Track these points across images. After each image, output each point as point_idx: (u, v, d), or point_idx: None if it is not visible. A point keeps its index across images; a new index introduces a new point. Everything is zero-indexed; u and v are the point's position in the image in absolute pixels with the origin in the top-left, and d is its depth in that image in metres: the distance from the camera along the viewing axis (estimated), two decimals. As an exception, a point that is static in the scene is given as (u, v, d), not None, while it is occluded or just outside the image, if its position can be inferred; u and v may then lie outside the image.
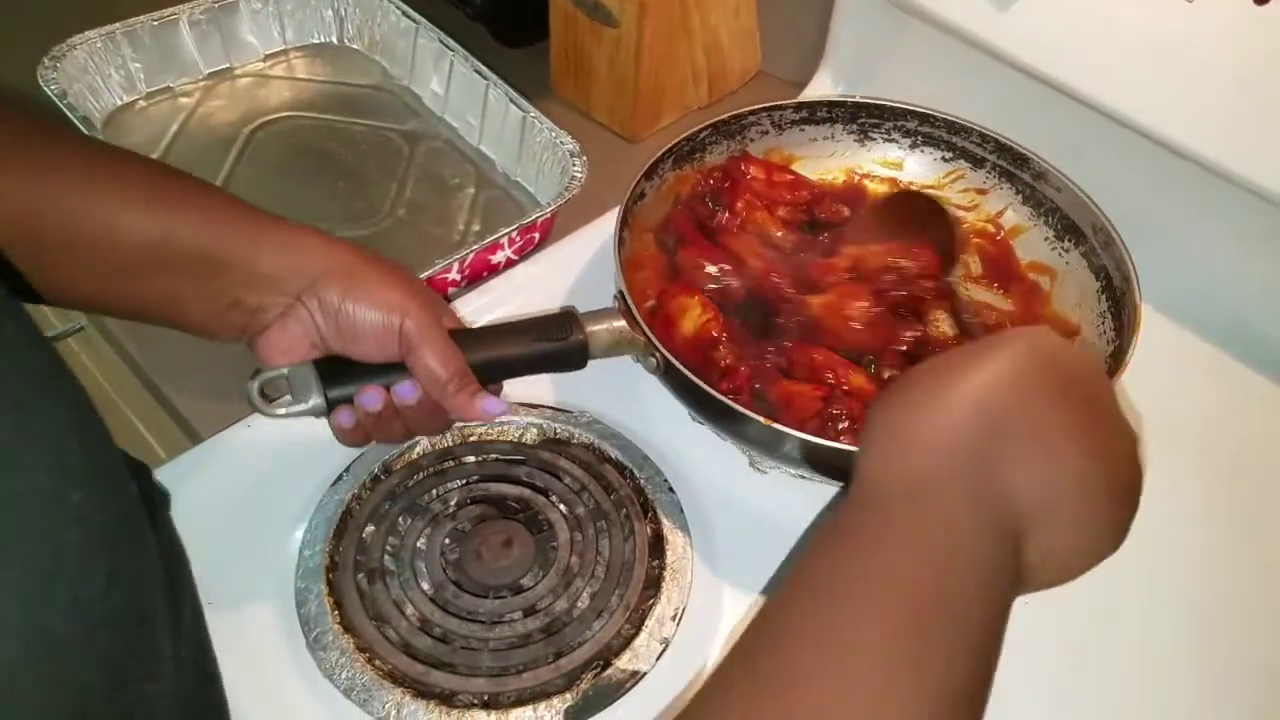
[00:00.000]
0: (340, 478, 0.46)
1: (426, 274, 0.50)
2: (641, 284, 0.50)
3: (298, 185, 0.59)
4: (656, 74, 0.63)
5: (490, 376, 0.43)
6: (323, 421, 0.41)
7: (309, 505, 0.45)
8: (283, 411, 0.39)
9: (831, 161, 0.59)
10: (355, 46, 0.69)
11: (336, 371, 0.40)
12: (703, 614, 0.43)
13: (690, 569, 0.44)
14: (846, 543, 0.30)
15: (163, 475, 0.45)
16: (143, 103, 0.63)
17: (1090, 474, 0.31)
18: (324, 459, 0.46)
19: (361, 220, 0.58)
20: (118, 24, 0.61)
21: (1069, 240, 0.54)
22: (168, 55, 0.63)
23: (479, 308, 0.54)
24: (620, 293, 0.46)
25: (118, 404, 0.67)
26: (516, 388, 0.49)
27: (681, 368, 0.43)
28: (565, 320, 0.44)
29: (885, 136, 0.59)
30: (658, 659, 0.41)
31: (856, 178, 0.59)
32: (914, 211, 0.57)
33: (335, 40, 0.69)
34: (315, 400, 0.39)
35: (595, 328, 0.44)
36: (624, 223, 0.49)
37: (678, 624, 0.42)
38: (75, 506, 0.21)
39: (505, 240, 0.53)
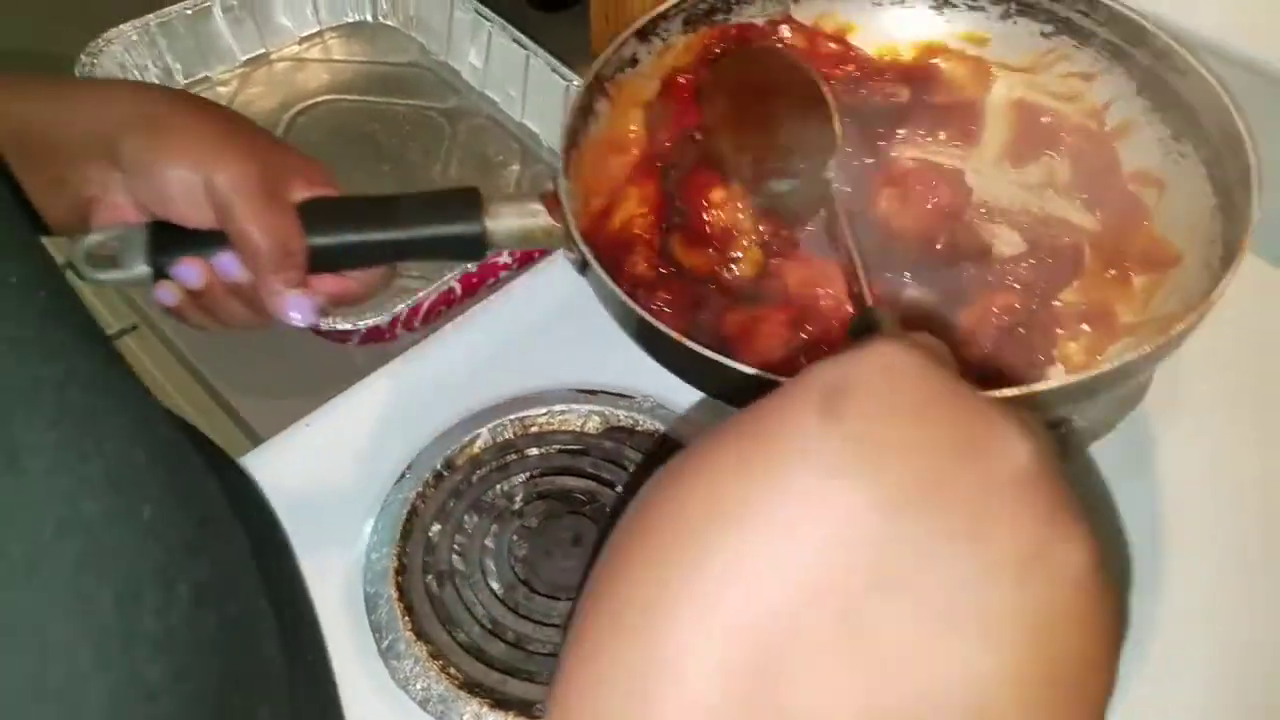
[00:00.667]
0: (403, 475, 0.44)
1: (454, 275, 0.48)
2: (615, 170, 0.42)
3: (340, 170, 0.57)
4: None
5: (353, 261, 0.36)
6: (384, 416, 0.39)
7: (373, 505, 0.43)
8: (106, 277, 0.34)
9: (899, 34, 0.47)
10: (390, 23, 0.66)
11: (172, 238, 0.34)
12: None
13: None
14: None
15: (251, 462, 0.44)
16: (181, 93, 0.61)
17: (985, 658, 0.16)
18: (385, 455, 0.45)
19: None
20: (152, 15, 0.60)
21: (1187, 142, 0.42)
22: (204, 44, 0.62)
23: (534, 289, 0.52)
24: (557, 172, 0.38)
25: (175, 402, 0.68)
26: (574, 373, 0.47)
27: (599, 268, 0.35)
28: (463, 199, 0.36)
29: (970, 3, 0.46)
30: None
31: (928, 56, 0.46)
32: (766, 82, 0.43)
33: (370, 18, 0.67)
34: (140, 269, 0.34)
35: (502, 211, 0.36)
36: (597, 89, 0.41)
37: None
38: (148, 523, 0.19)
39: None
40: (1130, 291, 0.39)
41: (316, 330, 0.46)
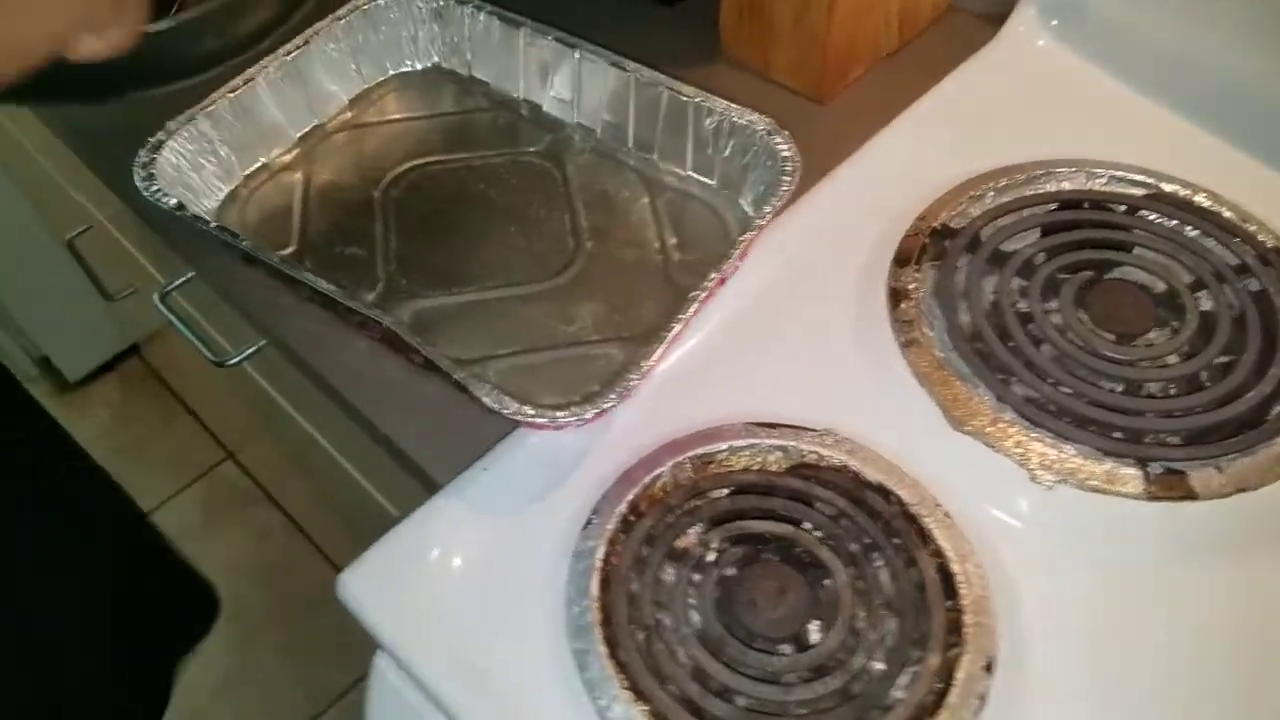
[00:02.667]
0: (589, 521, 0.42)
1: (677, 328, 0.44)
2: None
3: (470, 244, 0.53)
4: (850, 25, 0.56)
5: None
6: (559, 458, 0.40)
7: (562, 553, 0.42)
8: None
9: None
10: (447, 67, 0.61)
11: None
12: (1013, 661, 0.38)
13: (990, 608, 0.39)
14: None
15: (404, 534, 0.43)
16: (244, 190, 0.56)
17: None
18: (566, 499, 0.43)
19: (555, 265, 0.52)
20: (195, 108, 0.53)
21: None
22: (253, 127, 0.56)
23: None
24: None
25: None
26: (749, 406, 0.45)
27: None
28: None
29: None
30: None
31: None
32: None
33: (419, 65, 0.61)
34: None
35: None
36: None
37: (991, 675, 0.37)
38: None
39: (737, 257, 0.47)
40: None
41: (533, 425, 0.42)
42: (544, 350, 0.48)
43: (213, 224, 0.48)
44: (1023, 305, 0.49)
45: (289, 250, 0.52)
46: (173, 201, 0.49)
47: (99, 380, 1.37)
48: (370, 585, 0.42)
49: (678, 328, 0.43)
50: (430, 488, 0.45)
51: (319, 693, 1.13)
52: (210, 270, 0.53)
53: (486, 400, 0.41)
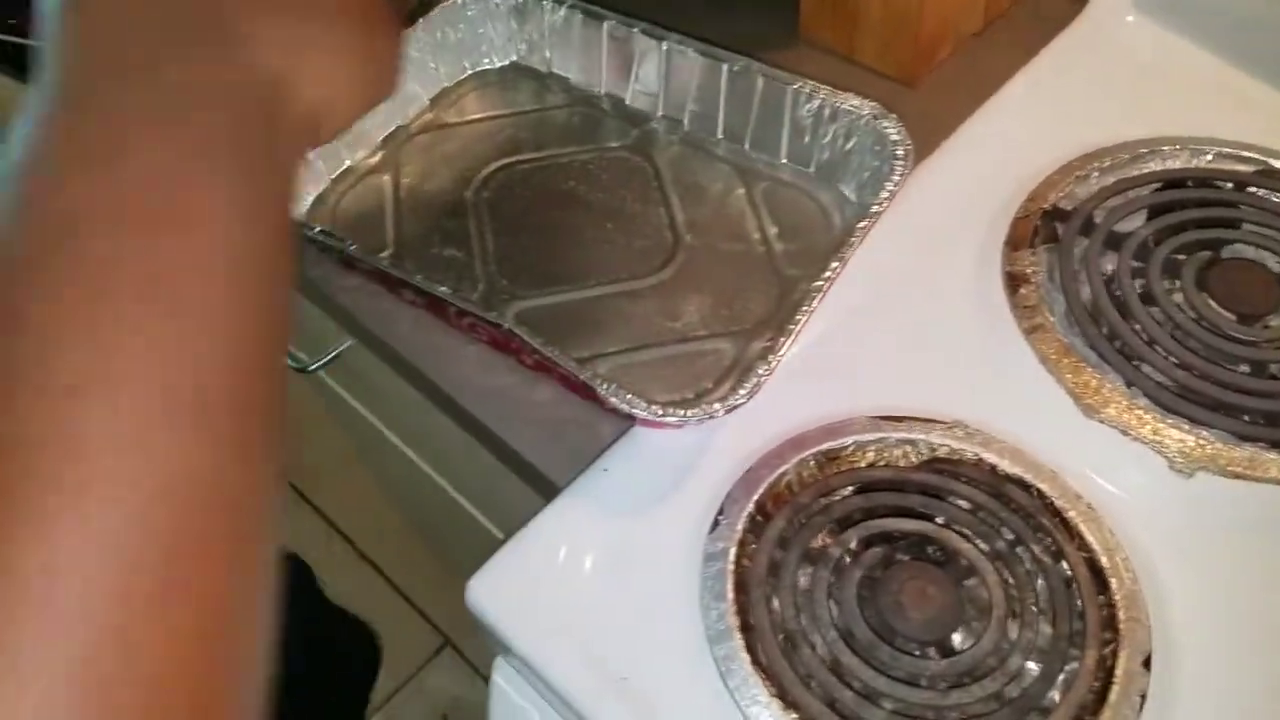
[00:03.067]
0: (716, 523, 0.41)
1: (803, 319, 0.43)
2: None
3: (569, 242, 0.51)
4: (941, 5, 0.55)
5: None
6: (680, 456, 0.40)
7: (692, 554, 0.41)
8: None
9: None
10: (525, 64, 0.60)
11: None
12: (1166, 656, 0.38)
13: (1142, 602, 0.38)
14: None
15: (529, 536, 0.42)
16: (332, 194, 0.55)
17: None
18: (691, 498, 0.42)
19: (656, 260, 0.51)
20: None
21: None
22: None
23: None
24: None
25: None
26: (868, 397, 0.44)
27: None
28: None
29: None
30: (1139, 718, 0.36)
31: None
32: None
33: (498, 62, 0.60)
34: None
35: None
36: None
37: (1149, 672, 0.36)
38: None
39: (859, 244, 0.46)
40: None
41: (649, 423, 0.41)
42: (652, 347, 0.47)
43: (312, 229, 0.47)
44: (1143, 287, 0.47)
45: (387, 253, 0.52)
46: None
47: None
48: (499, 590, 0.41)
49: (804, 319, 0.42)
50: (548, 493, 0.44)
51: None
52: (304, 278, 0.52)
53: (614, 400, 0.40)
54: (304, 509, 1.26)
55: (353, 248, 0.45)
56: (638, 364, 0.47)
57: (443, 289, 0.43)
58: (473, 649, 1.14)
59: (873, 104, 0.49)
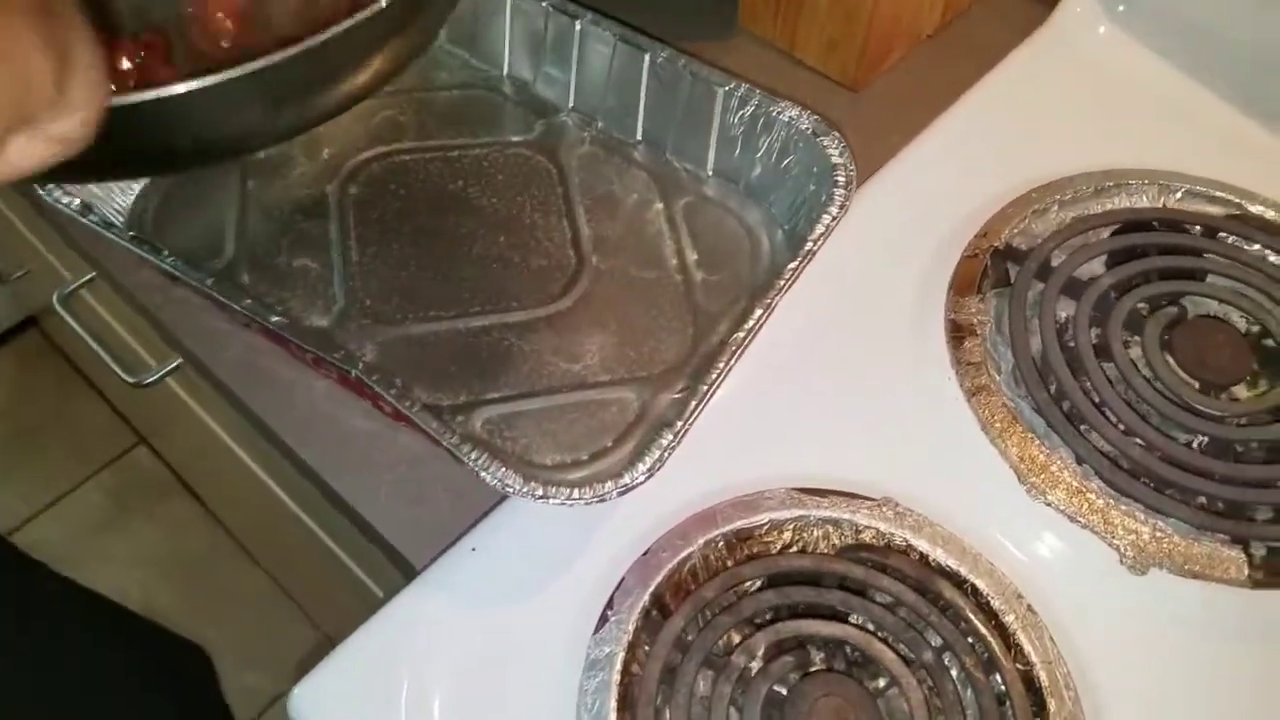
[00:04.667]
0: (604, 619, 0.35)
1: (716, 378, 0.36)
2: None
3: (450, 256, 0.44)
4: (896, 3, 0.48)
5: None
6: (563, 532, 0.34)
7: (571, 661, 0.34)
8: None
9: None
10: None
11: None
12: None
13: None
14: None
15: (372, 635, 0.35)
16: (163, 183, 0.44)
17: None
18: (574, 586, 0.36)
19: (555, 286, 0.43)
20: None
21: None
22: None
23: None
24: None
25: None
26: (789, 463, 0.38)
27: None
28: None
29: None
30: None
31: None
32: None
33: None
34: None
35: None
36: None
37: None
38: None
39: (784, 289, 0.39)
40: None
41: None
42: (543, 395, 0.40)
43: (125, 232, 0.38)
44: (1099, 337, 0.42)
45: (223, 259, 0.42)
46: (76, 203, 0.39)
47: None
48: (331, 705, 0.33)
49: (719, 378, 0.35)
50: (404, 569, 0.37)
51: (242, 702, 1.05)
52: (120, 275, 0.43)
53: (484, 475, 0.33)
54: (186, 499, 1.16)
55: (168, 261, 0.36)
56: (526, 414, 0.39)
57: (276, 318, 0.35)
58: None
59: (813, 116, 0.43)
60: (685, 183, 0.46)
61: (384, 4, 0.29)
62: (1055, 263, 0.44)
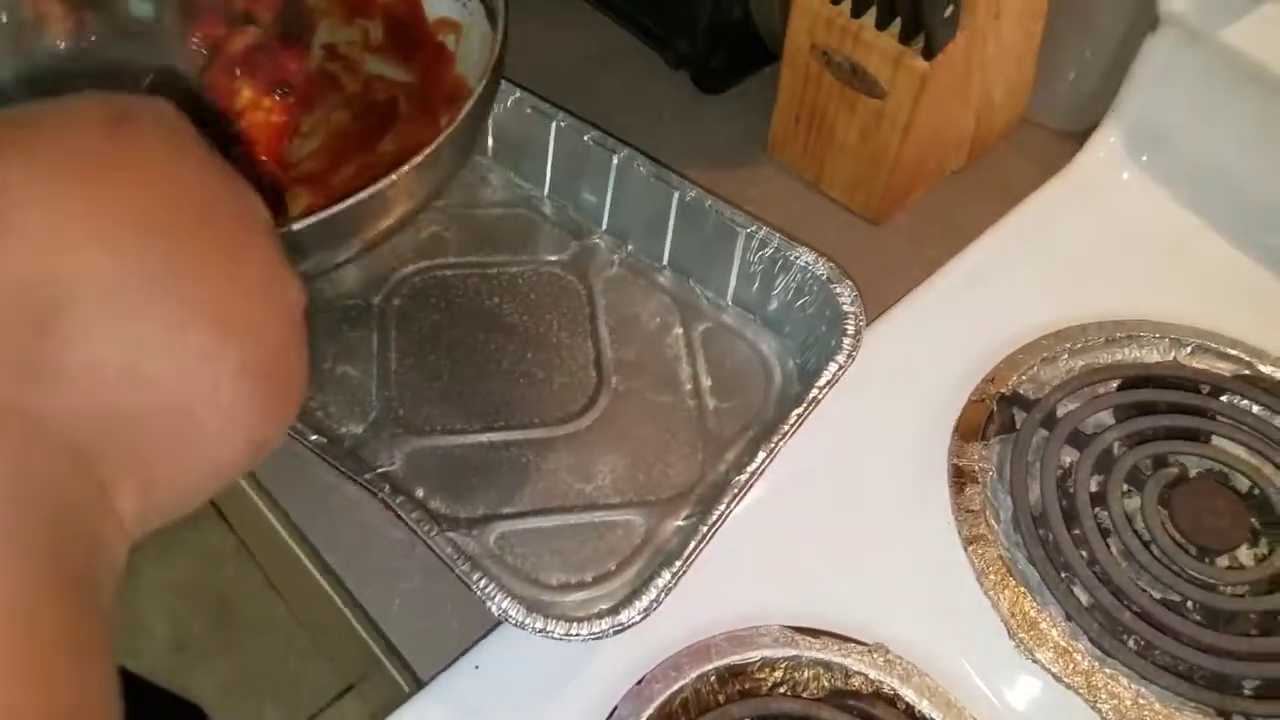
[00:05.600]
0: None
1: (716, 522, 0.39)
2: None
3: (482, 371, 0.46)
4: (921, 148, 0.51)
5: None
6: (562, 671, 0.35)
7: None
8: None
9: None
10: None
11: None
12: None
13: None
14: None
15: None
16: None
17: (219, 353, 0.20)
18: (568, 714, 0.37)
19: (576, 404, 0.45)
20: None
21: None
22: None
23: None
24: None
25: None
26: (785, 600, 0.40)
27: None
28: None
29: None
30: None
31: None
32: None
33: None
34: None
35: None
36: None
37: None
38: None
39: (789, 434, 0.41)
40: (437, 131, 0.36)
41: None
42: (556, 513, 0.42)
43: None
44: (1099, 485, 0.43)
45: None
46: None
47: None
48: None
49: (717, 520, 0.37)
50: (411, 679, 0.39)
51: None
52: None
53: (488, 604, 0.35)
54: (220, 527, 1.20)
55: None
56: (538, 531, 0.42)
57: (314, 436, 0.38)
58: (376, 690, 1.09)
59: (828, 264, 0.45)
60: (705, 309, 0.49)
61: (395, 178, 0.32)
62: (1061, 413, 0.45)
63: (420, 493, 0.42)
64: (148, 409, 0.19)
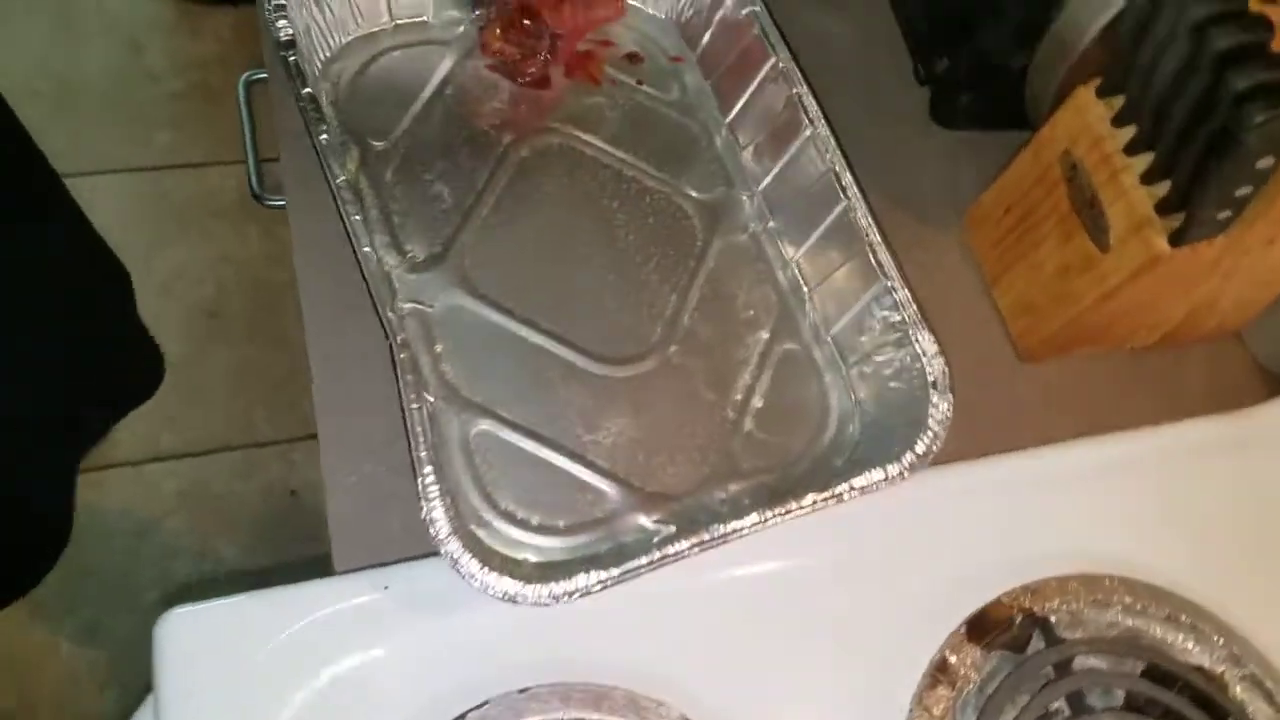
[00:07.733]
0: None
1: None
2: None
3: (558, 267, 0.44)
4: (1115, 318, 0.44)
5: None
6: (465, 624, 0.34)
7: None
8: None
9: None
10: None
11: None
12: None
13: None
14: None
15: (252, 608, 0.36)
16: (385, 40, 0.46)
17: None
18: (444, 667, 0.35)
19: (627, 353, 0.42)
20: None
21: None
22: None
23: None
24: None
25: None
26: (686, 684, 0.36)
27: None
28: None
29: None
30: None
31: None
32: None
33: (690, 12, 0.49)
34: None
35: None
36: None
37: None
38: None
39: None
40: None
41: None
42: (544, 443, 0.40)
43: (303, 90, 0.39)
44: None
45: (382, 143, 0.44)
46: (285, 35, 0.40)
47: None
48: (191, 644, 0.35)
49: (674, 557, 0.35)
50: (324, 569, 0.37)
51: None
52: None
53: (421, 504, 0.34)
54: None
55: (323, 138, 0.38)
56: (517, 450, 0.40)
57: (366, 249, 0.36)
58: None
59: (944, 369, 0.40)
60: (802, 331, 0.44)
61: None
62: (1078, 667, 0.40)
63: (439, 348, 0.41)
64: None
